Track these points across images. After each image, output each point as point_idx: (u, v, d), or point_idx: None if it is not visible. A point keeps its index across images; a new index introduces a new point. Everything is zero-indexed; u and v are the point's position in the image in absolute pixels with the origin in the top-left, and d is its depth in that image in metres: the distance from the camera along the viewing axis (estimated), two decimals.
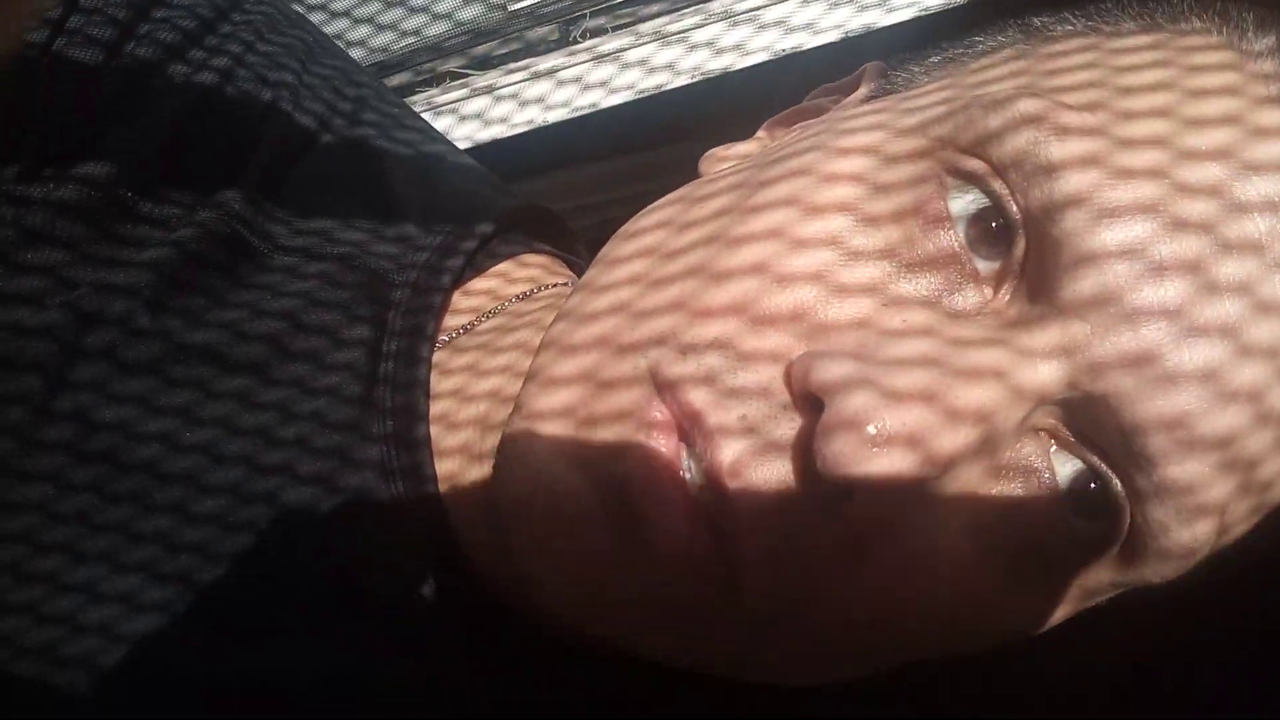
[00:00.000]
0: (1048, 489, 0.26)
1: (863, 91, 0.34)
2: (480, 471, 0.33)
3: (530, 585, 0.28)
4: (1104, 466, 0.26)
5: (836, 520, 0.25)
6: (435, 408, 0.35)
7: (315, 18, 0.69)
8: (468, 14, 0.70)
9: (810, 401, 0.24)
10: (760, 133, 0.36)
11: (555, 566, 0.27)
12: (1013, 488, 0.26)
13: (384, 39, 0.72)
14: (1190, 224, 0.25)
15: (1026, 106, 0.26)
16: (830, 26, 0.55)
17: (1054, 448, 0.26)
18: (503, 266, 0.39)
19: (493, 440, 0.33)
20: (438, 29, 0.71)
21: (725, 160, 0.35)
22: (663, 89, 0.58)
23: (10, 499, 0.31)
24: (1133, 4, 0.30)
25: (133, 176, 0.33)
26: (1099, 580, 0.29)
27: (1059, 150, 0.25)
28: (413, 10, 0.71)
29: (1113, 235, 0.24)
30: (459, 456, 0.34)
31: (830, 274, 0.26)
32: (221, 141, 0.36)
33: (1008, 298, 0.26)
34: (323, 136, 0.38)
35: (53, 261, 0.32)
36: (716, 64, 0.57)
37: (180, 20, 0.37)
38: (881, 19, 0.54)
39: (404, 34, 0.71)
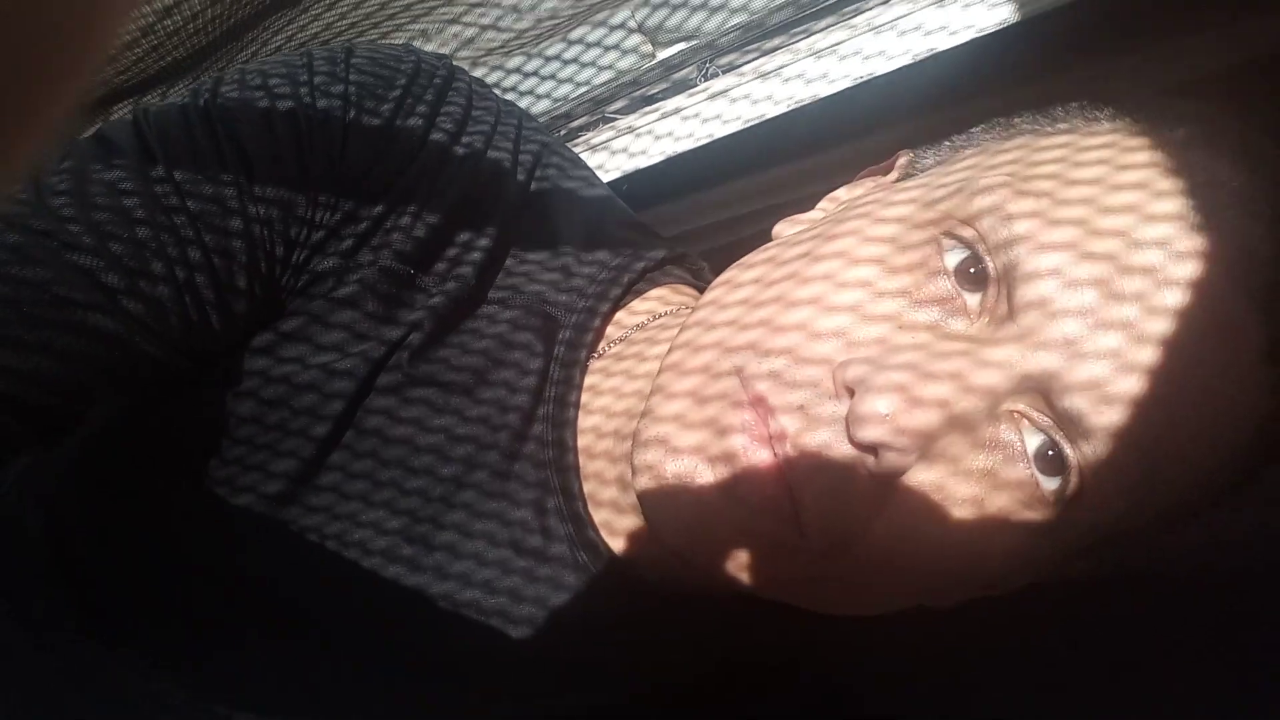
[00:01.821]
0: (1020, 456, 0.37)
1: (894, 175, 0.47)
2: (616, 468, 0.46)
3: (657, 528, 0.41)
4: (1058, 435, 0.37)
5: (866, 471, 0.37)
6: (585, 420, 0.48)
7: (511, 79, 0.86)
8: (624, 64, 0.84)
9: (847, 391, 0.37)
10: (822, 204, 0.49)
11: (675, 513, 0.40)
12: (996, 456, 0.37)
13: (564, 90, 0.87)
14: (1097, 256, 0.36)
15: (994, 195, 0.38)
16: (900, 52, 0.63)
17: (1025, 425, 0.37)
18: (642, 304, 0.52)
19: (625, 446, 0.45)
20: (603, 78, 0.85)
21: (795, 224, 0.48)
22: (764, 118, 0.68)
23: (343, 488, 0.46)
24: (1086, 109, 0.42)
25: (416, 256, 0.47)
26: (1064, 523, 0.38)
27: (1017, 226, 0.37)
28: (583, 65, 0.85)
29: (1046, 261, 0.36)
30: (604, 458, 0.47)
31: (862, 307, 0.38)
32: (471, 218, 0.48)
33: (987, 320, 0.38)
34: (525, 202, 0.50)
35: (353, 322, 0.45)
36: (806, 92, 0.67)
37: (451, 116, 0.48)
38: (944, 42, 0.61)
39: (577, 85, 0.86)
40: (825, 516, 0.37)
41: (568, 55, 0.86)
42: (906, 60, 0.63)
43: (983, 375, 0.36)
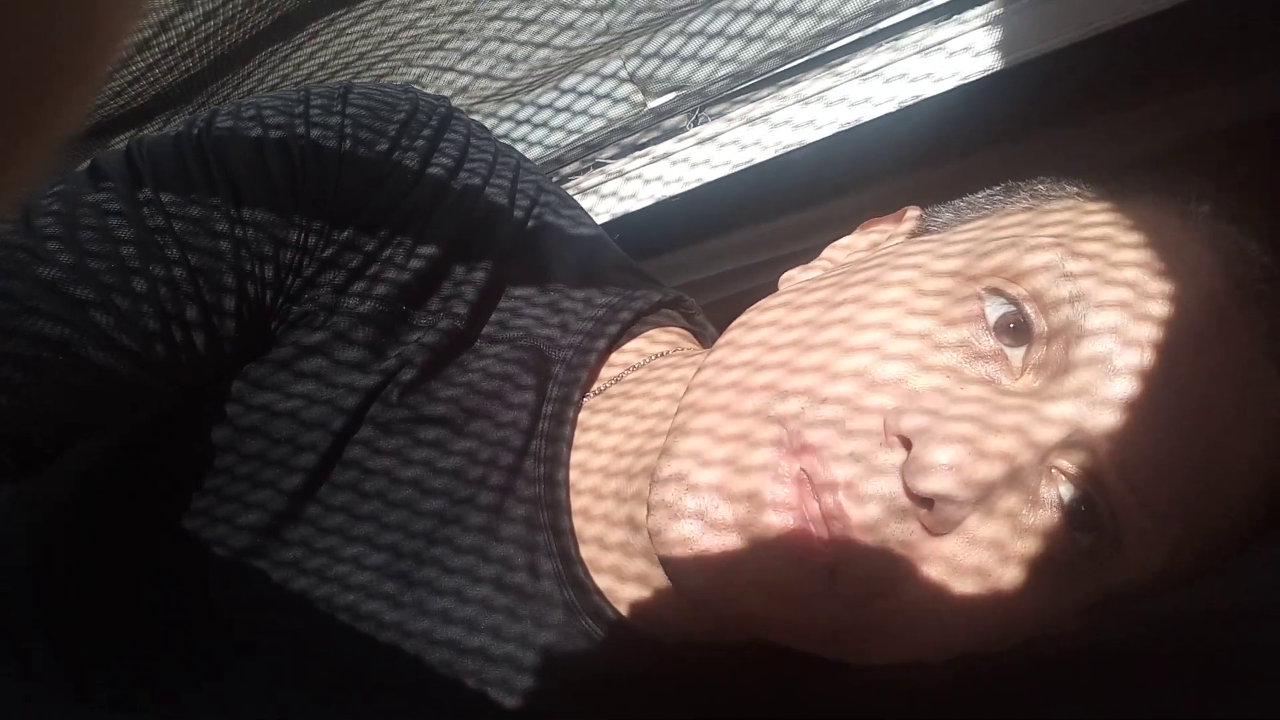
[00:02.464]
0: (1059, 510, 0.37)
1: (908, 228, 0.47)
2: (620, 510, 0.45)
3: (674, 577, 0.40)
4: (1094, 493, 0.37)
5: (917, 523, 0.36)
6: (577, 455, 0.48)
7: (504, 127, 0.87)
8: (616, 112, 0.85)
9: (903, 441, 0.36)
10: (824, 258, 0.49)
11: (696, 561, 0.38)
12: (1038, 512, 0.37)
13: (555, 138, 0.89)
14: (1149, 320, 0.36)
15: (1050, 254, 0.38)
16: (886, 99, 0.64)
17: (1063, 481, 0.37)
18: (638, 343, 0.52)
19: (638, 485, 0.45)
20: (594, 126, 0.86)
21: (808, 273, 0.47)
22: (752, 162, 0.69)
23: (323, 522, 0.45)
24: (1122, 182, 0.43)
25: (409, 292, 0.47)
26: (1091, 581, 0.38)
27: (1078, 284, 0.37)
28: (575, 114, 0.87)
29: (1105, 320, 0.36)
30: (591, 495, 0.47)
31: (921, 358, 0.38)
32: (466, 255, 0.48)
33: (1033, 377, 0.38)
34: (520, 241, 0.50)
35: (344, 356, 0.45)
36: (794, 138, 0.68)
37: (448, 154, 0.48)
38: (929, 89, 0.62)
39: (569, 133, 0.87)
40: (865, 569, 0.36)
41: (560, 104, 0.87)
42: (892, 107, 0.64)
43: (1040, 430, 0.35)
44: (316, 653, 0.45)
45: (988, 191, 0.46)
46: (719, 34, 0.71)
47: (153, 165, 0.43)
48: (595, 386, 0.49)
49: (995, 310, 0.38)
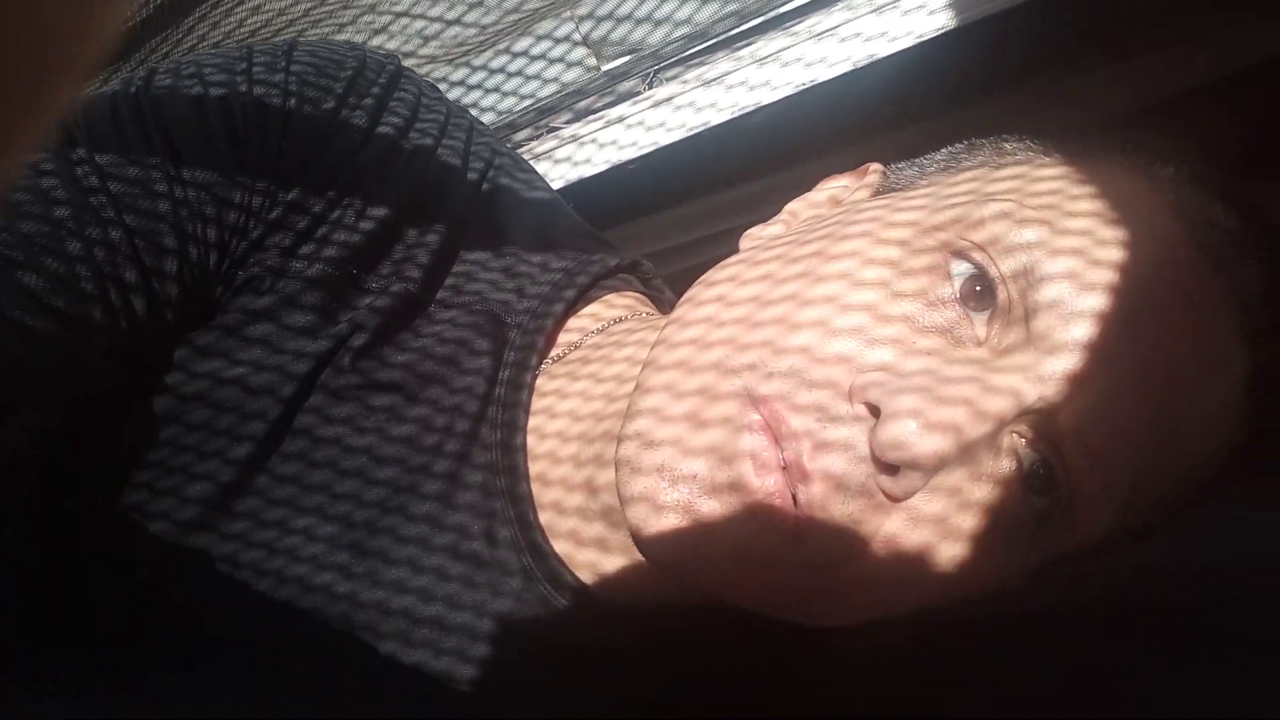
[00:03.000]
0: (1015, 475, 0.37)
1: (870, 184, 0.47)
2: (578, 474, 0.44)
3: (637, 538, 0.38)
4: (1051, 457, 0.37)
5: (878, 494, 0.36)
6: (534, 421, 0.47)
7: (454, 92, 0.86)
8: (569, 76, 0.84)
9: (867, 406, 0.36)
10: (783, 215, 0.48)
11: (665, 528, 0.37)
12: (995, 475, 0.37)
13: (508, 103, 0.87)
14: (1102, 272, 0.36)
15: (1003, 204, 0.38)
16: (840, 59, 0.64)
17: (1022, 445, 0.37)
18: (595, 307, 0.51)
19: (596, 449, 0.44)
20: (547, 90, 0.85)
21: (760, 238, 0.47)
22: (709, 125, 0.69)
23: (273, 494, 0.44)
24: (1078, 140, 0.42)
25: (360, 255, 0.45)
26: (1044, 541, 0.39)
27: (1029, 232, 0.37)
28: (528, 78, 0.85)
29: (1060, 265, 0.36)
30: (548, 460, 0.46)
31: (878, 308, 0.37)
32: (418, 218, 0.47)
33: (997, 338, 0.37)
34: (475, 204, 0.49)
35: (293, 320, 0.44)
36: (750, 99, 0.67)
37: (398, 113, 0.47)
38: (884, 48, 0.62)
39: (522, 98, 0.86)
40: (830, 534, 0.36)
41: (512, 68, 0.86)
42: (847, 67, 0.63)
43: (1000, 396, 0.35)
44: (267, 627, 0.44)
45: (950, 149, 0.46)
46: None
47: (88, 125, 0.41)
48: (553, 353, 0.48)
49: (959, 272, 0.38)
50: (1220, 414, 0.38)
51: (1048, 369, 0.35)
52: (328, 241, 0.44)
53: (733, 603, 0.40)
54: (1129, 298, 0.36)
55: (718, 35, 0.68)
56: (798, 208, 0.48)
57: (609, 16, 0.80)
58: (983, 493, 0.36)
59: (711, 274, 0.43)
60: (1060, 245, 0.36)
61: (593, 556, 0.45)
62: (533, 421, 0.46)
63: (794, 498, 0.36)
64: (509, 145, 0.78)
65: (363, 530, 0.44)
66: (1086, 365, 0.35)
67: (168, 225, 0.41)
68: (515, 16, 0.72)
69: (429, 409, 0.45)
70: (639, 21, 0.79)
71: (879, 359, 0.36)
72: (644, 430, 0.38)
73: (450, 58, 0.76)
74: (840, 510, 0.35)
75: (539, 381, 0.47)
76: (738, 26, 0.68)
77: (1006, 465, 0.36)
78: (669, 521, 0.37)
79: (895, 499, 0.36)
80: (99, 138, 0.41)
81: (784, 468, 0.36)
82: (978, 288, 0.37)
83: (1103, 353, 0.35)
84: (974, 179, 0.41)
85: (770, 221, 0.47)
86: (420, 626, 0.44)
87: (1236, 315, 0.38)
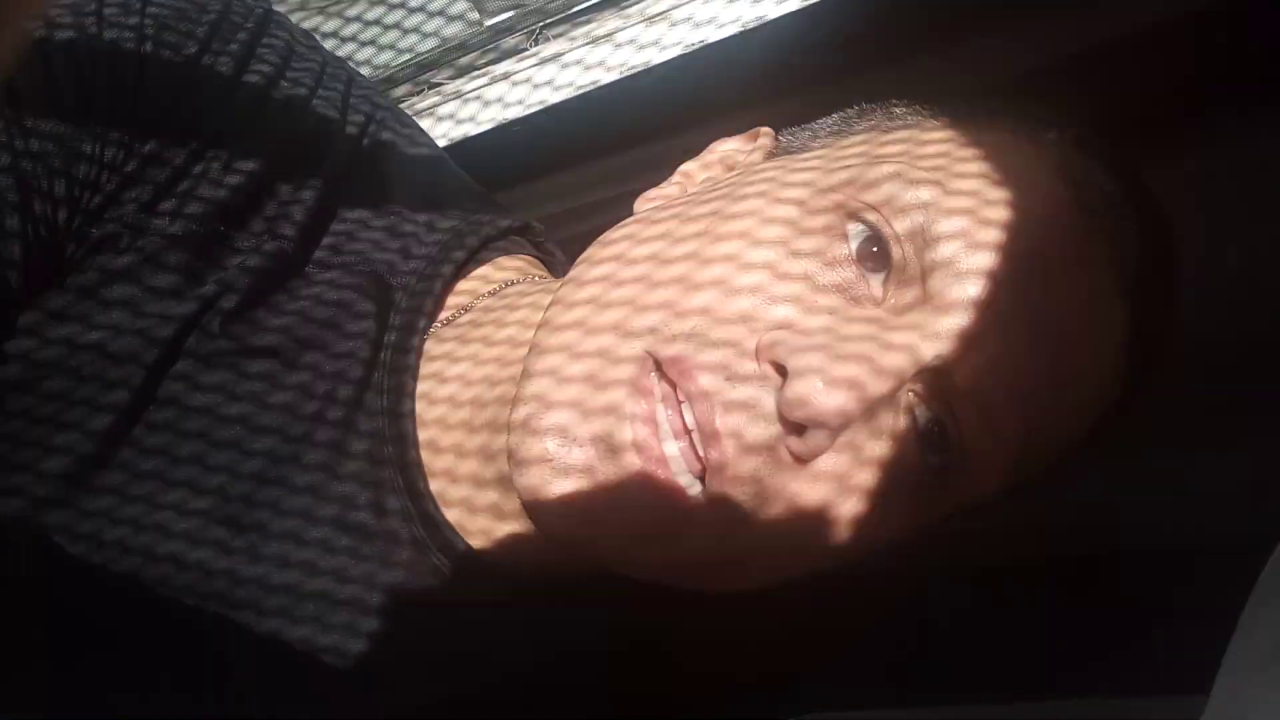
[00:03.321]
0: (910, 433, 0.37)
1: (762, 147, 0.46)
2: (471, 440, 0.43)
3: (541, 518, 0.37)
4: (945, 415, 0.37)
5: (783, 455, 0.35)
6: (423, 386, 0.44)
7: (327, 44, 0.81)
8: (450, 31, 0.80)
9: (773, 365, 0.35)
10: (677, 177, 0.47)
11: (560, 493, 0.36)
12: (894, 434, 0.37)
13: (384, 58, 0.83)
14: (991, 228, 0.36)
15: (894, 166, 0.38)
16: (730, 20, 0.63)
17: (916, 404, 0.37)
18: (485, 270, 0.48)
19: (489, 414, 0.42)
20: (427, 45, 0.81)
21: (655, 199, 0.46)
22: (597, 84, 0.67)
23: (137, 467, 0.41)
24: (971, 106, 0.43)
25: (227, 211, 0.42)
26: (938, 499, 0.39)
27: (921, 192, 0.37)
28: (405, 32, 0.82)
29: (943, 252, 0.36)
30: (439, 427, 0.44)
31: (778, 266, 0.37)
32: (292, 172, 0.44)
33: (893, 297, 0.37)
34: (355, 159, 0.46)
35: (154, 280, 0.41)
36: (639, 59, 0.66)
37: (267, 60, 0.44)
38: (772, 11, 0.62)
39: (400, 52, 0.82)
40: (735, 492, 0.36)
41: (389, 19, 0.82)
42: (737, 28, 0.63)
43: (897, 353, 0.36)
44: (136, 607, 0.42)
45: (841, 113, 0.46)
46: None
47: None
48: (442, 315, 0.47)
49: (854, 233, 0.38)
50: (1102, 371, 0.40)
51: (943, 327, 0.36)
52: (191, 196, 0.41)
53: (632, 574, 0.40)
54: (1018, 257, 0.36)
55: None
56: (691, 169, 0.47)
57: None
58: (882, 450, 0.37)
59: (609, 234, 0.42)
60: (951, 205, 0.37)
61: (486, 524, 0.44)
62: (421, 387, 0.45)
63: (700, 459, 0.36)
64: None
65: (239, 504, 0.42)
66: (979, 323, 0.36)
67: (8, 177, 0.37)
68: None
69: (309, 375, 0.43)
70: None
71: (781, 316, 0.36)
72: (540, 392, 0.37)
73: (322, 4, 0.72)
74: (747, 471, 0.35)
75: (427, 345, 0.45)
76: None
77: (904, 423, 0.37)
78: (564, 486, 0.36)
79: (801, 459, 0.36)
80: None
81: (689, 430, 0.35)
82: (874, 248, 0.37)
83: (994, 311, 0.36)
84: (865, 142, 0.42)
85: (664, 184, 0.47)
86: (305, 601, 0.43)
87: (1117, 275, 0.39)
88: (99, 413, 0.40)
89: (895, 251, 0.37)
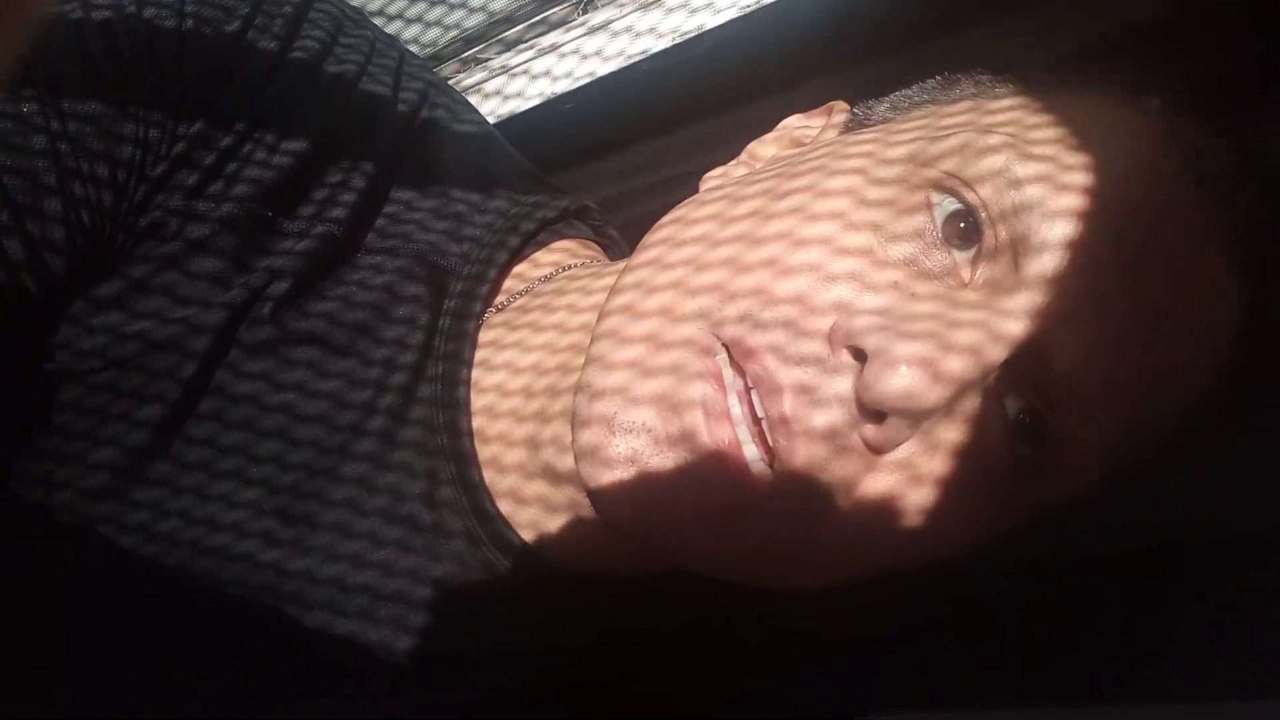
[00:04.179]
0: (1001, 422, 0.34)
1: (839, 122, 0.43)
2: (519, 429, 0.41)
3: (603, 507, 0.35)
4: (1040, 403, 0.34)
5: (859, 446, 0.33)
6: (477, 373, 0.43)
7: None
8: (498, 4, 0.78)
9: (852, 351, 0.33)
10: (744, 156, 0.45)
11: (628, 500, 0.34)
12: (981, 424, 0.34)
13: (431, 35, 0.81)
14: (1103, 226, 0.33)
15: (1001, 157, 0.34)
16: None
17: (1008, 391, 0.34)
18: (540, 253, 0.47)
19: (538, 403, 0.41)
20: (474, 20, 0.79)
21: (719, 178, 0.43)
22: (648, 53, 0.64)
23: (186, 458, 0.40)
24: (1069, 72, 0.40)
25: (275, 195, 0.41)
26: (1030, 494, 0.36)
27: (1022, 170, 0.34)
28: (452, 6, 0.79)
29: (1057, 232, 0.33)
30: (486, 415, 0.42)
31: (873, 253, 0.34)
32: (342, 154, 0.43)
33: (982, 277, 0.34)
34: (407, 139, 0.45)
35: (204, 269, 0.40)
36: (691, 24, 0.62)
37: (313, 37, 0.42)
38: None
39: (447, 29, 0.80)
40: (805, 481, 0.33)
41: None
42: None
43: (994, 340, 0.33)
44: (185, 599, 0.41)
45: (922, 84, 0.43)
46: None
47: None
48: (498, 300, 0.45)
49: (943, 210, 0.35)
50: (1212, 356, 0.36)
51: (1038, 307, 0.33)
52: (238, 179, 0.40)
53: (694, 568, 0.38)
54: (1121, 231, 0.33)
55: None
56: (762, 152, 0.45)
57: None
58: (965, 440, 0.34)
59: (684, 212, 0.40)
60: (1046, 176, 0.34)
61: (535, 515, 0.42)
62: (473, 375, 0.43)
63: (767, 445, 0.33)
64: None
65: (287, 495, 0.41)
66: (1079, 304, 0.33)
67: (47, 162, 0.36)
68: None
69: (358, 363, 0.42)
70: None
71: (853, 297, 0.33)
72: (591, 380, 0.35)
73: None
74: (819, 460, 0.33)
75: (480, 333, 0.44)
76: None
77: (992, 411, 0.34)
78: (618, 475, 0.34)
79: (878, 450, 0.33)
80: None
81: (758, 420, 0.33)
82: (961, 224, 0.35)
83: (1096, 290, 0.33)
84: (965, 120, 0.38)
85: (735, 163, 0.44)
86: (353, 595, 0.41)
87: (1231, 250, 0.36)
88: (147, 403, 0.39)
89: (988, 233, 0.34)
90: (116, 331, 0.39)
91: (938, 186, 0.35)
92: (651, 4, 0.63)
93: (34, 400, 0.39)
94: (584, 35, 0.66)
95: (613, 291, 0.38)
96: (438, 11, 0.80)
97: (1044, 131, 0.35)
